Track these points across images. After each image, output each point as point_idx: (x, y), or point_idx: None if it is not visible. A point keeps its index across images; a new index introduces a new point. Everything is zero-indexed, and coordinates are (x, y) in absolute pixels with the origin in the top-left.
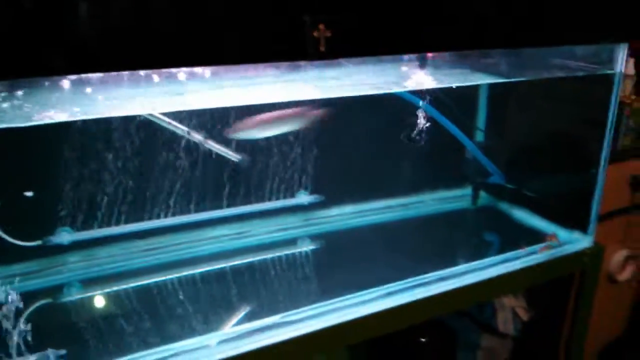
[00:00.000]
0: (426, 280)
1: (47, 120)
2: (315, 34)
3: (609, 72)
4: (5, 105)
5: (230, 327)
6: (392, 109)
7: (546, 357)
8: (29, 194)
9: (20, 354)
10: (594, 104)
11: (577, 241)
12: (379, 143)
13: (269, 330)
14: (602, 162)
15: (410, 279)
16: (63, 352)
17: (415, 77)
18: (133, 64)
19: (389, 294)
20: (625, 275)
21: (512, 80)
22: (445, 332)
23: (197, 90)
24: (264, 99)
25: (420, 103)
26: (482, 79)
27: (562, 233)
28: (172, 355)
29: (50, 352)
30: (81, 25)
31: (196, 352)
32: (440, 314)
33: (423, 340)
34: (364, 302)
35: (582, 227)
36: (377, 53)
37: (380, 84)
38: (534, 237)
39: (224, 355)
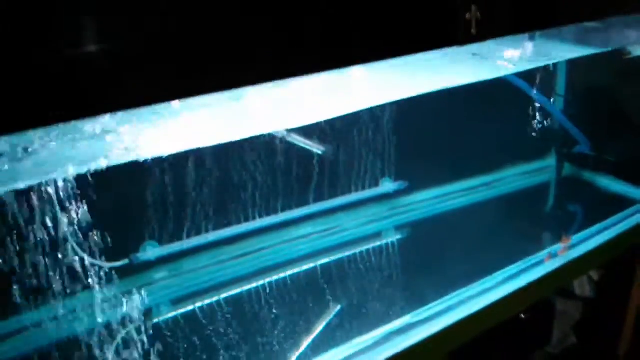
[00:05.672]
0: (531, 263)
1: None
2: (467, 16)
3: None
4: None
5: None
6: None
7: (615, 318)
8: None
9: None
10: None
11: None
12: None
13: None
14: None
15: (518, 263)
16: None
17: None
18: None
19: (504, 281)
20: None
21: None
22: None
23: None
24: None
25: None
26: (577, 52)
27: None
28: None
29: None
30: None
31: None
32: (548, 294)
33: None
34: (483, 292)
35: None
36: (520, 31)
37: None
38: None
39: None
